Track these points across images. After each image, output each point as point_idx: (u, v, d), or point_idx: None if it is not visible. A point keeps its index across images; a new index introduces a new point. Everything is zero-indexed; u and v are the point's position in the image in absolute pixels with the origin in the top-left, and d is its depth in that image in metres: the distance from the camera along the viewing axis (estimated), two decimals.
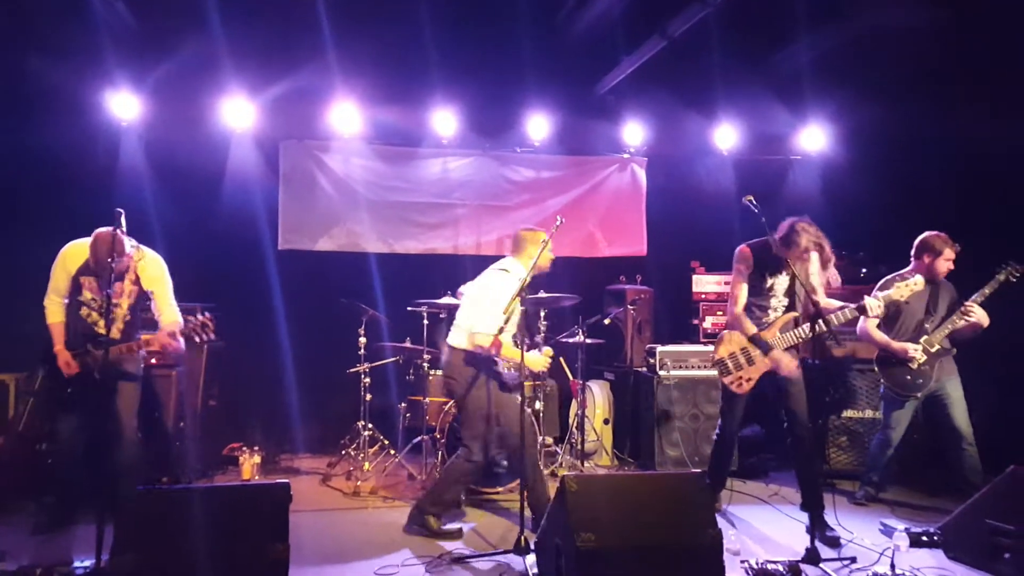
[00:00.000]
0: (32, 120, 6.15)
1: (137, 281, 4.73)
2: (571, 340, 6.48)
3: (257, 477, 5.94)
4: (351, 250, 7.38)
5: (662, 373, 6.35)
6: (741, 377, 4.83)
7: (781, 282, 4.87)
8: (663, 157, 7.96)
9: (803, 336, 4.72)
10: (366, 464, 6.15)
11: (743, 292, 4.88)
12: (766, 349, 4.75)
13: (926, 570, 4.14)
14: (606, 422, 6.92)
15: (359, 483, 5.88)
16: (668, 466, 6.21)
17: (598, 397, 6.94)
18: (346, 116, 6.90)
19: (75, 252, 4.73)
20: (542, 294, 6.23)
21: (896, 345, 5.32)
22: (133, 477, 4.67)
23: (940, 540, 4.41)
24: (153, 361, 5.71)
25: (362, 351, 6.34)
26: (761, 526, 5.04)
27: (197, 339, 4.59)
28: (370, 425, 6.31)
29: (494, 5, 6.12)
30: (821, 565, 4.08)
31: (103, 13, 5.82)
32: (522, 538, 4.25)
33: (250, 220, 7.08)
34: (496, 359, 4.87)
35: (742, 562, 4.05)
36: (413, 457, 6.29)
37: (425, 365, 6.28)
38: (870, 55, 6.28)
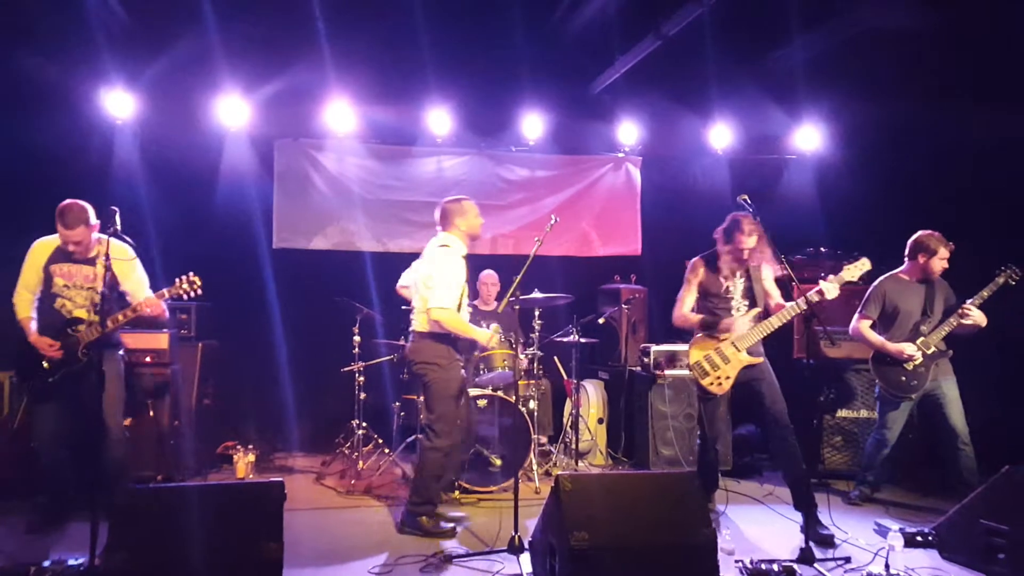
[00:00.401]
0: (26, 117, 6.12)
1: (109, 266, 4.73)
2: (565, 339, 6.48)
3: (251, 476, 5.93)
4: (346, 249, 7.37)
5: (656, 372, 6.36)
6: (719, 376, 4.88)
7: (737, 285, 4.97)
8: (658, 156, 7.96)
9: (771, 329, 4.82)
10: (360, 463, 6.14)
11: (689, 296, 5.09)
12: (714, 329, 4.95)
13: (921, 570, 4.15)
14: (600, 421, 6.91)
15: (353, 482, 5.87)
16: (662, 465, 6.22)
17: (592, 396, 6.94)
18: (341, 115, 6.89)
19: (43, 244, 4.77)
20: (536, 293, 6.23)
21: (892, 346, 5.32)
22: (122, 475, 4.66)
23: (935, 540, 4.41)
24: (148, 359, 5.70)
25: (356, 350, 6.33)
26: (755, 526, 5.04)
27: (186, 297, 4.69)
28: (364, 424, 6.31)
29: (489, 4, 6.12)
30: (815, 565, 4.08)
31: (97, 10, 5.80)
32: (516, 537, 4.25)
33: (244, 219, 7.08)
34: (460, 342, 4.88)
35: (736, 562, 4.05)
36: (407, 456, 6.29)
37: None
38: (865, 55, 6.29)
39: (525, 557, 4.19)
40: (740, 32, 6.19)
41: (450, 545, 4.56)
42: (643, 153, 7.93)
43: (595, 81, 7.21)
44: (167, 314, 4.90)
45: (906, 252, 5.46)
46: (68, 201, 4.68)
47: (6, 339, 4.83)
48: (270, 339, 6.89)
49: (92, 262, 4.78)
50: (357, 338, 6.34)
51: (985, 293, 5.17)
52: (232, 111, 6.70)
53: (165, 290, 4.74)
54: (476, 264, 7.28)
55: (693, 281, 5.08)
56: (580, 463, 6.44)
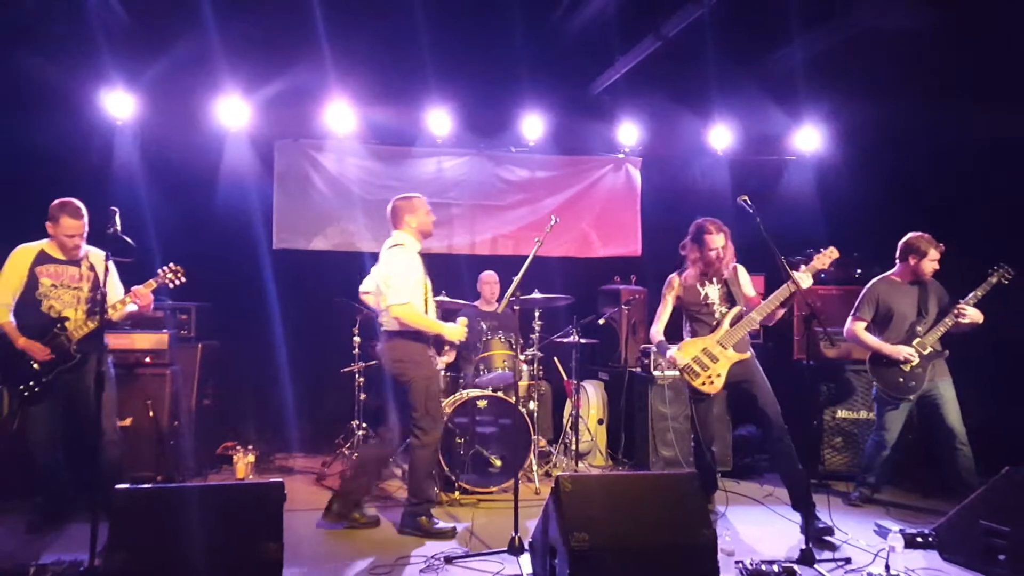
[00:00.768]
0: (26, 118, 6.11)
1: (92, 267, 4.81)
2: (565, 340, 6.48)
3: (251, 476, 5.92)
4: (346, 249, 7.37)
5: (656, 373, 6.35)
6: (709, 376, 4.90)
7: (713, 292, 5.03)
8: (658, 157, 7.96)
9: (753, 324, 4.88)
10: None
11: (664, 313, 5.19)
12: (663, 352, 5.08)
13: (921, 571, 4.15)
14: (600, 422, 6.91)
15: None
16: (662, 466, 6.22)
17: (592, 397, 6.94)
18: (341, 115, 6.89)
19: (25, 248, 4.79)
20: (536, 294, 6.23)
21: (888, 348, 5.33)
22: (118, 475, 4.66)
23: (935, 541, 4.40)
24: (147, 360, 5.70)
25: (356, 350, 6.34)
26: (755, 527, 5.04)
27: (171, 285, 4.82)
28: (364, 424, 6.31)
29: (489, 4, 6.13)
30: (816, 566, 4.08)
31: (98, 10, 5.80)
32: (516, 538, 4.25)
33: (244, 219, 7.07)
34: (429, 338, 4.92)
35: (736, 563, 4.04)
36: (407, 457, 6.26)
37: None
38: (864, 55, 6.29)
39: (525, 558, 4.19)
40: (740, 33, 6.20)
41: (450, 546, 4.56)
42: (643, 154, 7.92)
43: (595, 82, 7.21)
44: (152, 306, 4.94)
45: (897, 254, 5.49)
46: (62, 198, 4.73)
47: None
48: (270, 340, 6.88)
49: (77, 263, 4.82)
50: (357, 339, 6.34)
51: (979, 292, 5.20)
52: (232, 112, 6.70)
53: (151, 280, 4.80)
54: (476, 265, 7.32)
55: (668, 296, 5.16)
56: (580, 464, 6.44)
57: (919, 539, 4.42)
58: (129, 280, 4.92)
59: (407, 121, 7.21)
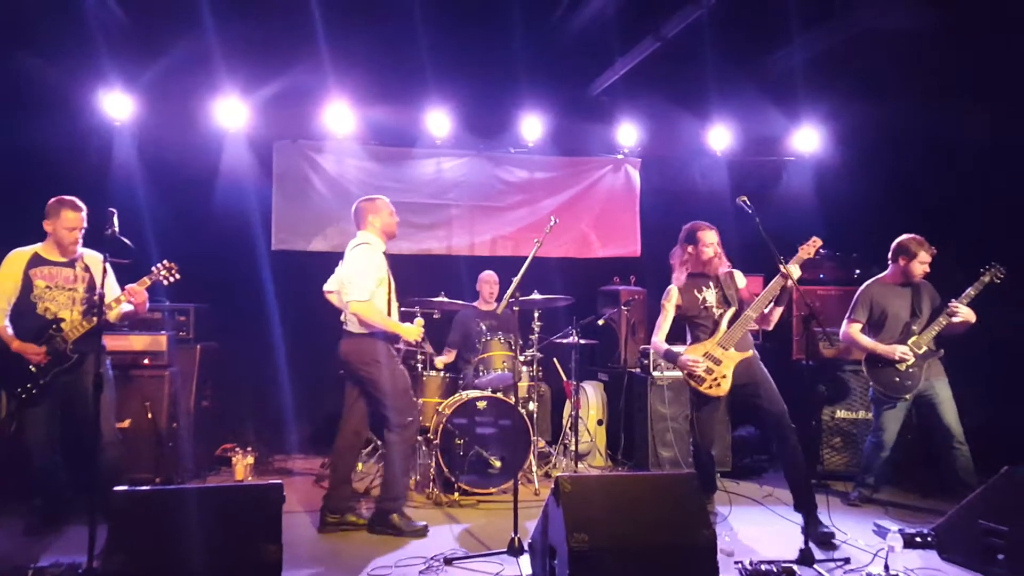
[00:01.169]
0: (24, 119, 6.10)
1: (87, 270, 4.81)
2: (565, 341, 6.48)
3: (250, 478, 5.93)
4: (345, 250, 7.34)
5: (656, 374, 6.36)
6: (715, 379, 4.87)
7: (711, 295, 5.00)
8: (657, 158, 7.96)
9: (751, 321, 4.84)
10: (359, 465, 6.13)
11: (665, 324, 5.11)
12: (674, 358, 4.98)
13: (919, 571, 4.15)
14: (600, 423, 6.91)
15: (352, 484, 5.85)
16: (662, 467, 6.21)
17: (592, 398, 6.94)
18: (339, 116, 6.88)
19: (18, 253, 4.78)
20: (536, 295, 6.23)
21: (883, 348, 5.36)
22: (116, 478, 4.65)
23: (934, 541, 4.41)
24: (145, 361, 5.70)
25: None
26: (755, 527, 5.04)
27: (165, 282, 4.83)
28: None
29: (488, 5, 6.12)
30: (815, 566, 4.08)
31: (96, 12, 5.79)
32: (515, 539, 4.25)
33: (243, 220, 7.06)
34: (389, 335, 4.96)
35: (736, 563, 4.05)
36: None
37: (419, 366, 6.27)
38: (864, 56, 6.30)
39: (524, 558, 4.19)
40: (739, 33, 6.20)
41: (449, 546, 4.56)
42: (642, 155, 7.92)
43: (594, 83, 7.21)
44: (147, 305, 4.92)
45: (889, 256, 5.51)
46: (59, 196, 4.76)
47: None
48: (269, 341, 6.87)
49: (72, 265, 4.81)
50: None
51: (972, 292, 5.22)
52: (231, 113, 6.69)
53: (146, 278, 4.80)
54: (475, 266, 7.32)
55: (668, 306, 5.09)
56: (579, 464, 6.44)
57: (918, 539, 4.42)
58: (127, 281, 4.91)
59: (406, 122, 7.20)
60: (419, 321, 5.07)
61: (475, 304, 6.95)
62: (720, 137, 7.54)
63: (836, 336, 5.85)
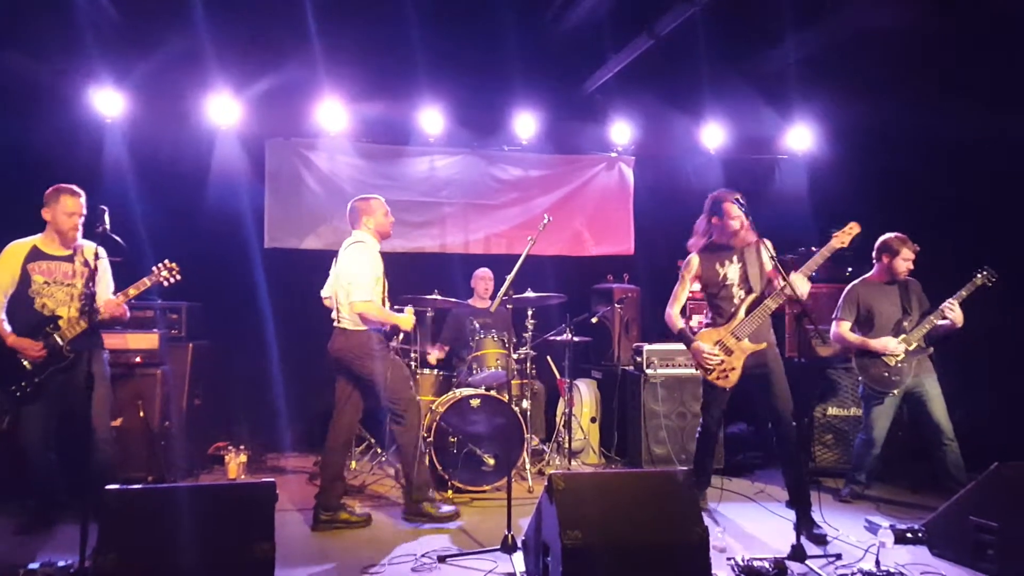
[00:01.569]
0: (14, 116, 6.07)
1: (86, 263, 4.74)
2: (558, 338, 6.48)
3: (243, 476, 5.91)
4: (338, 248, 7.30)
5: (649, 372, 6.37)
6: (724, 370, 4.86)
7: (733, 271, 4.91)
8: (650, 156, 7.97)
9: (768, 311, 4.79)
10: (352, 463, 6.13)
11: (682, 293, 5.06)
12: (688, 342, 4.92)
13: (911, 567, 4.16)
14: (593, 420, 6.92)
15: (345, 481, 5.84)
16: (655, 464, 6.23)
17: (585, 395, 6.95)
18: (332, 113, 6.86)
19: (17, 245, 4.73)
20: (529, 293, 6.23)
21: (874, 343, 5.39)
22: (109, 477, 4.63)
23: (925, 537, 4.42)
24: (137, 360, 5.68)
25: None
26: (747, 523, 5.05)
27: (166, 283, 4.79)
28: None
29: (481, 3, 6.11)
30: (807, 562, 4.09)
31: (87, 8, 5.76)
32: (509, 536, 4.26)
33: (236, 218, 7.03)
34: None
35: (728, 559, 4.06)
36: (399, 455, 6.27)
37: (412, 364, 6.27)
38: (856, 55, 6.30)
39: (518, 556, 4.19)
40: (732, 32, 6.21)
41: (443, 544, 4.56)
42: (636, 153, 7.93)
43: (588, 80, 7.21)
44: (128, 315, 4.90)
45: (873, 255, 5.55)
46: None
47: None
48: (262, 339, 6.85)
49: (70, 259, 4.75)
50: None
51: (964, 293, 5.27)
52: (223, 110, 6.67)
53: (146, 279, 4.76)
54: (468, 264, 7.31)
55: (687, 276, 5.02)
56: (573, 462, 6.45)
57: (909, 535, 4.43)
58: (118, 278, 4.89)
59: (399, 120, 7.19)
60: (409, 309, 5.20)
61: (469, 301, 6.95)
62: (713, 135, 7.55)
63: (828, 333, 5.86)
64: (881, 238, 5.53)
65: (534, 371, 6.63)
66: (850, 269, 6.61)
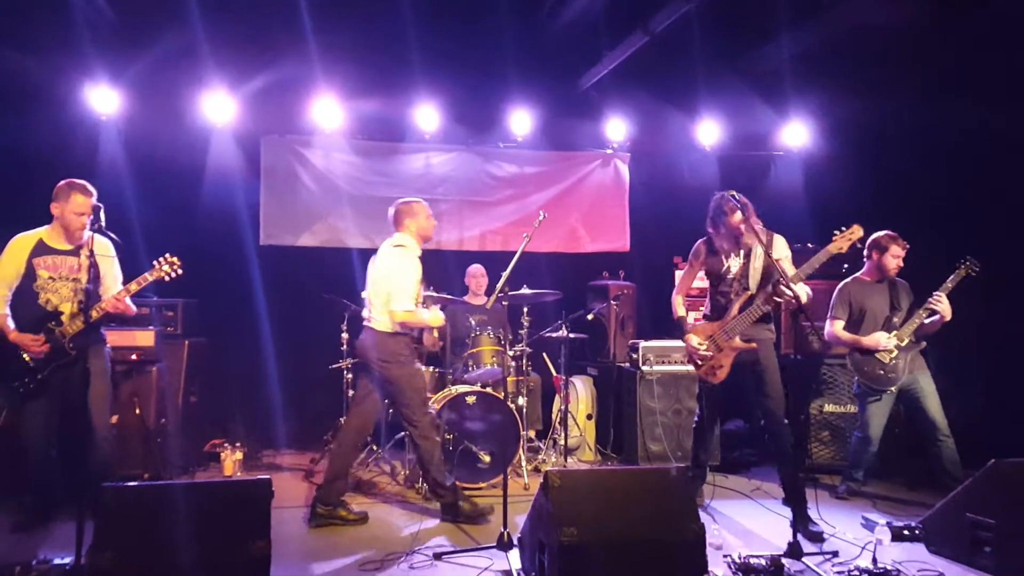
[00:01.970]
0: (9, 114, 6.05)
1: (92, 256, 4.65)
2: (554, 335, 6.48)
3: (239, 473, 5.90)
4: (333, 246, 7.34)
5: (645, 368, 6.37)
6: (712, 366, 4.87)
7: (736, 265, 4.93)
8: (646, 153, 7.97)
9: (759, 312, 4.80)
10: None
11: (686, 280, 5.19)
12: (680, 332, 5.02)
13: (907, 564, 4.16)
14: (589, 417, 6.92)
15: (348, 479, 5.83)
16: (651, 461, 6.23)
17: (581, 392, 6.95)
18: (327, 111, 6.85)
19: (23, 238, 4.69)
20: (525, 289, 6.23)
21: (867, 339, 5.41)
22: (108, 474, 4.62)
23: (921, 534, 4.44)
24: (133, 357, 5.67)
25: (344, 346, 6.31)
26: (743, 521, 5.06)
27: (167, 278, 4.73)
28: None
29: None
30: (803, 559, 4.09)
31: (82, 6, 5.74)
32: (505, 533, 4.26)
33: (231, 215, 7.03)
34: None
35: (724, 556, 4.07)
36: (396, 453, 6.28)
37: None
38: (852, 51, 6.31)
39: (514, 553, 4.19)
40: (727, 28, 6.21)
41: (439, 542, 4.56)
42: (631, 149, 7.93)
43: (583, 77, 7.21)
44: (133, 310, 4.85)
45: (864, 253, 5.56)
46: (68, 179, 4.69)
47: None
48: (257, 336, 6.85)
49: (76, 253, 4.72)
50: (345, 335, 6.32)
51: (949, 284, 5.29)
52: (218, 107, 6.65)
53: (147, 274, 4.72)
54: (464, 261, 7.31)
55: (695, 264, 5.11)
56: (569, 459, 6.45)
57: (906, 532, 4.46)
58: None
59: (395, 116, 7.18)
60: (434, 308, 5.25)
61: (465, 299, 6.94)
62: (709, 132, 7.56)
63: (823, 331, 5.88)
64: (871, 236, 5.53)
65: (530, 368, 6.63)
66: (846, 266, 6.61)
